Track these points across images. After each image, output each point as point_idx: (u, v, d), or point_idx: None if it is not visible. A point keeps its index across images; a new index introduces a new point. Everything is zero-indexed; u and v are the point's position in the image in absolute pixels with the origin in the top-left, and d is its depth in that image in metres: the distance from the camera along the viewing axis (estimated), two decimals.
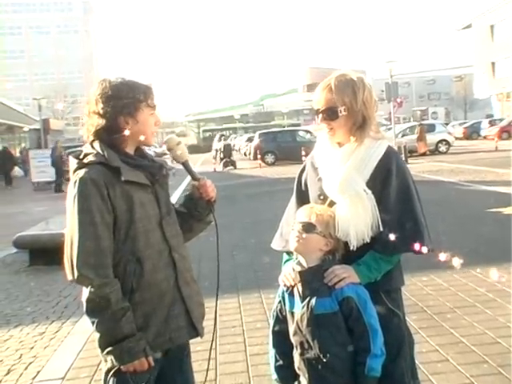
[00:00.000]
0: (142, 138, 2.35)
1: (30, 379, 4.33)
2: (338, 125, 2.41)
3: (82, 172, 2.21)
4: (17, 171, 32.17)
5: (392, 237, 2.27)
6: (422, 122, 29.78)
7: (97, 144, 2.28)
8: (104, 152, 2.25)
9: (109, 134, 2.28)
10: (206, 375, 2.76)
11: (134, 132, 2.30)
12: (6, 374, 4.48)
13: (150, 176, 2.33)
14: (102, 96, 2.28)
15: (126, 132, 2.28)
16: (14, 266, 8.69)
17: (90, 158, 2.24)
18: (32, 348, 5.00)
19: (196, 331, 2.40)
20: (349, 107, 2.38)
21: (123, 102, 2.27)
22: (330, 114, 2.40)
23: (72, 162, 2.30)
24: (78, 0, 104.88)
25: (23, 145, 50.99)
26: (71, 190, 2.22)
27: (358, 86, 2.40)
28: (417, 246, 2.31)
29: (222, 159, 28.44)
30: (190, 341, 2.48)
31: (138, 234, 2.24)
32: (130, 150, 2.35)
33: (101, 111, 2.27)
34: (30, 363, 4.64)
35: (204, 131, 69.33)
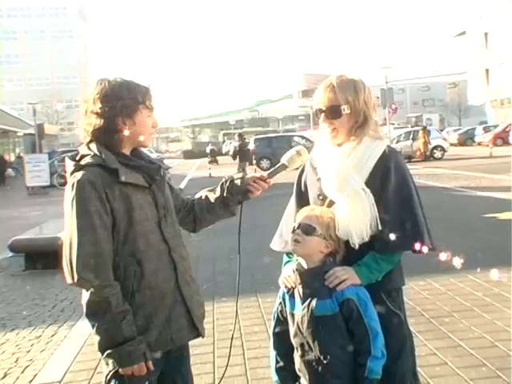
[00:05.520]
0: (141, 138, 2.33)
1: (27, 382, 4.30)
2: (340, 124, 2.41)
3: (79, 174, 2.18)
4: (10, 172, 33.15)
5: (392, 236, 2.27)
6: (425, 126, 30.71)
7: (93, 145, 2.26)
8: (101, 153, 2.22)
9: (106, 135, 2.25)
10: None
11: (132, 133, 2.28)
12: (3, 378, 4.45)
13: (148, 177, 2.31)
14: (100, 95, 2.25)
15: (126, 132, 2.26)
16: (10, 270, 8.64)
17: (88, 160, 2.22)
18: (28, 351, 4.97)
19: (197, 331, 2.39)
20: (351, 106, 2.39)
21: (122, 102, 2.24)
22: (333, 112, 2.40)
23: (69, 164, 2.27)
24: (72, 5, 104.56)
25: (17, 150, 51.05)
26: (69, 192, 2.19)
27: (359, 85, 2.43)
28: (417, 245, 2.32)
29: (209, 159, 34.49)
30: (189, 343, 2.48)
31: (137, 236, 2.23)
32: (127, 151, 2.33)
33: (99, 111, 2.24)
34: (27, 367, 4.62)
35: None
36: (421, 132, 28.70)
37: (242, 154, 24.50)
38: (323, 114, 2.44)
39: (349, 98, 2.39)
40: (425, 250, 2.30)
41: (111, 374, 2.20)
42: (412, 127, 38.23)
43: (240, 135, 28.15)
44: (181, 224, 2.54)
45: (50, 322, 5.77)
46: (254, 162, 28.69)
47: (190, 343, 2.48)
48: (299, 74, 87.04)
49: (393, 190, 2.34)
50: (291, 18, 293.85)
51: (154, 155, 28.80)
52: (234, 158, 24.94)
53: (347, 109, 2.39)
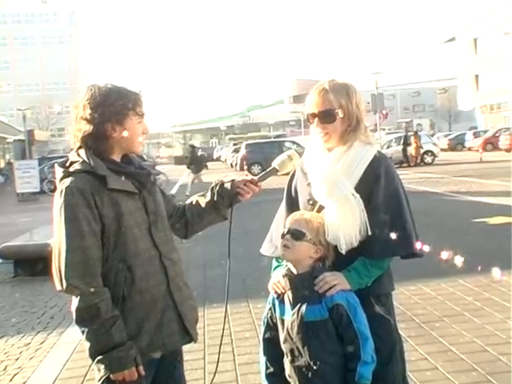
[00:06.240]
0: (131, 144, 2.32)
1: None
2: (333, 128, 2.40)
3: (67, 181, 2.19)
4: None
5: (381, 241, 2.28)
6: (416, 131, 30.97)
7: (82, 151, 2.25)
8: (90, 160, 2.22)
9: (95, 141, 2.25)
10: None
11: (121, 140, 2.28)
12: None
13: (137, 183, 2.31)
14: (90, 102, 2.24)
15: (115, 139, 2.26)
16: None
17: (76, 167, 2.22)
18: (17, 359, 4.93)
19: (190, 336, 2.38)
20: (345, 109, 2.39)
21: (112, 108, 2.24)
22: (327, 116, 2.39)
23: (58, 171, 2.27)
24: (63, 11, 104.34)
25: (7, 156, 50.85)
26: (57, 199, 2.19)
27: (351, 89, 2.43)
28: (406, 251, 2.33)
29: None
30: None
31: (127, 242, 2.22)
32: (117, 157, 2.33)
33: (88, 117, 2.23)
34: (16, 374, 4.57)
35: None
36: (412, 137, 28.88)
37: (195, 165, 21.13)
38: (317, 119, 2.42)
39: (342, 102, 2.38)
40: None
41: (103, 379, 2.19)
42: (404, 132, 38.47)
43: (191, 145, 24.32)
44: (172, 230, 2.52)
45: (40, 329, 5.72)
46: (246, 167, 28.79)
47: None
48: (290, 80, 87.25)
49: (382, 195, 2.34)
50: (282, 24, 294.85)
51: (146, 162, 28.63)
52: (189, 167, 20.98)
53: (341, 113, 2.38)
